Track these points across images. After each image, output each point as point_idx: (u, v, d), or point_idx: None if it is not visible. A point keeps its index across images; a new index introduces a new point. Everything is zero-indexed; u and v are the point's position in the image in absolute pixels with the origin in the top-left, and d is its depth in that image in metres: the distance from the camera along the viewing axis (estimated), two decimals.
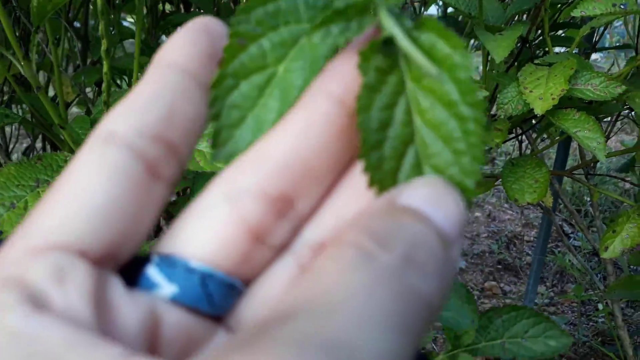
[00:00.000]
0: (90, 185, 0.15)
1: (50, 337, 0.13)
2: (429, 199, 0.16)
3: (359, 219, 0.16)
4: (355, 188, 0.18)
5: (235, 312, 0.17)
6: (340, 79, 0.17)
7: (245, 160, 0.17)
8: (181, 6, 0.95)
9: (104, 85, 0.46)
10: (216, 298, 0.16)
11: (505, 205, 2.22)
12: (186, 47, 0.18)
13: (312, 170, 0.17)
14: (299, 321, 0.13)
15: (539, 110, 0.63)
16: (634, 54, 0.96)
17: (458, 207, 0.16)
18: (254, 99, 0.18)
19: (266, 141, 0.17)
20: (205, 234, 0.17)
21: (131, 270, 0.16)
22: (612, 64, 1.22)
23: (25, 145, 2.14)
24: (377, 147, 0.17)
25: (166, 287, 0.16)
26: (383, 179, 0.17)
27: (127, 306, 0.15)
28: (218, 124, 0.18)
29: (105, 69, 0.44)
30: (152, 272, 0.16)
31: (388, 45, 0.17)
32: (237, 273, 0.17)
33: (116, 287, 0.15)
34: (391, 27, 0.17)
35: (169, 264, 0.16)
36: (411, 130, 0.17)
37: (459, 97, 0.16)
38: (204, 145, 0.47)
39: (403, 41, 0.17)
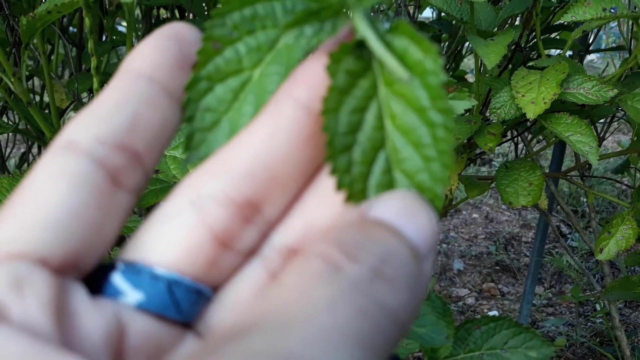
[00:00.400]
0: (49, 194, 0.15)
1: (7, 348, 0.13)
2: (401, 212, 0.16)
3: (329, 231, 0.16)
4: (324, 193, 0.18)
5: (205, 318, 0.17)
6: (307, 84, 0.17)
7: (210, 166, 0.17)
8: (176, 12, 0.95)
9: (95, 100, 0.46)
10: (183, 304, 0.16)
11: (503, 206, 2.23)
12: (154, 54, 0.17)
13: (278, 176, 0.17)
14: (254, 337, 0.13)
15: (531, 115, 0.64)
16: (628, 55, 0.97)
17: (430, 221, 0.16)
18: (229, 103, 0.18)
19: (231, 147, 0.17)
20: (170, 240, 0.16)
21: (96, 278, 0.16)
22: (607, 65, 1.23)
23: (23, 150, 2.14)
24: (345, 150, 0.17)
25: (131, 295, 0.16)
26: (352, 183, 0.17)
27: (91, 315, 0.15)
28: (191, 127, 0.18)
29: (95, 85, 0.44)
30: (117, 279, 0.16)
31: (361, 48, 0.17)
32: (205, 279, 0.17)
33: (79, 295, 0.15)
34: (364, 29, 0.17)
35: (134, 271, 0.16)
36: (382, 135, 0.17)
37: (429, 103, 0.16)
38: (179, 152, 0.47)
39: (375, 44, 0.17)
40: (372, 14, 0.98)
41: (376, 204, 0.16)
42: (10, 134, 1.23)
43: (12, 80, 0.46)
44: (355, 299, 0.14)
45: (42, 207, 0.15)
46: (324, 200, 0.17)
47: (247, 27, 0.18)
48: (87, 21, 0.40)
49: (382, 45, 0.17)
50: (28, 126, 0.73)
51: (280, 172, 0.17)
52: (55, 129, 0.60)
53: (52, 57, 0.84)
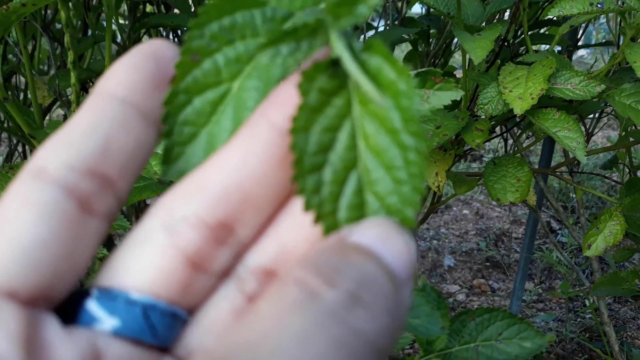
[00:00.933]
0: (17, 225, 0.15)
1: None
2: (379, 238, 0.16)
3: (308, 255, 0.16)
4: (298, 214, 0.17)
5: (182, 342, 0.17)
6: (282, 106, 0.17)
7: (183, 188, 0.17)
8: (162, 7, 0.94)
9: (72, 96, 0.46)
10: (159, 329, 0.16)
11: (493, 203, 2.23)
12: (128, 74, 0.17)
13: (251, 198, 0.17)
14: None
15: (518, 110, 0.63)
16: (617, 50, 0.96)
17: (409, 248, 0.16)
18: (207, 116, 0.18)
19: (205, 169, 0.17)
20: (144, 264, 0.16)
21: (70, 306, 0.16)
22: (595, 61, 1.23)
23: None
24: (315, 170, 0.16)
25: (107, 321, 0.15)
26: (322, 204, 0.16)
27: (64, 345, 0.14)
28: (169, 141, 0.17)
29: (72, 80, 0.43)
30: (92, 306, 0.16)
31: (336, 66, 0.17)
32: (180, 302, 0.17)
33: (51, 326, 0.15)
34: (340, 49, 0.17)
35: (110, 297, 0.16)
36: (354, 155, 0.17)
37: (401, 125, 0.16)
38: (160, 149, 0.46)
39: (351, 66, 0.16)
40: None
41: (355, 229, 0.16)
42: None
43: None
44: (330, 329, 0.14)
45: (9, 239, 0.15)
46: (298, 221, 0.17)
47: (226, 38, 0.17)
48: (62, 14, 0.39)
49: (357, 66, 0.17)
50: (11, 123, 0.72)
51: (253, 194, 0.17)
52: (38, 126, 0.59)
53: (35, 53, 0.82)
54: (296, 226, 0.17)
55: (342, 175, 0.17)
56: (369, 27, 1.04)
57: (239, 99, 0.18)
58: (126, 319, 0.16)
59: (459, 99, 0.37)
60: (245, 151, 0.17)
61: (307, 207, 0.16)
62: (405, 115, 0.16)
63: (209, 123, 0.18)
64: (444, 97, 0.39)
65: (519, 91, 0.65)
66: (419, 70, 0.40)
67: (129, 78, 0.17)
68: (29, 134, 0.54)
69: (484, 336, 0.47)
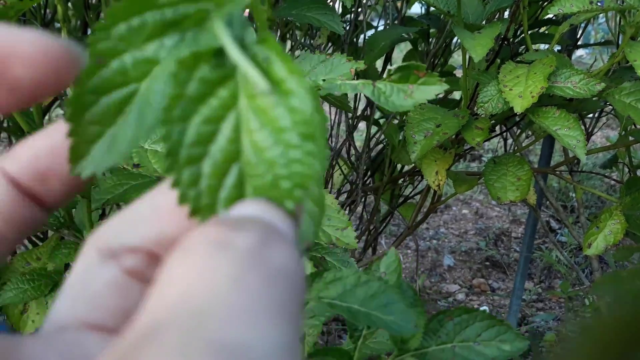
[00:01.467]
0: None
1: None
2: (259, 208, 0.16)
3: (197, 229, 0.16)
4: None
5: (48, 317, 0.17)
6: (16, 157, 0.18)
7: (116, 221, 0.17)
8: None
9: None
10: None
11: (493, 202, 2.23)
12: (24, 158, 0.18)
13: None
14: (168, 333, 0.12)
15: (518, 109, 0.63)
16: (616, 50, 0.96)
17: (286, 214, 0.16)
18: (113, 116, 0.17)
19: (134, 205, 0.18)
20: (94, 292, 0.17)
21: None
22: (595, 60, 1.23)
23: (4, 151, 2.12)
24: (193, 162, 0.16)
25: None
26: (199, 197, 0.16)
27: None
28: (75, 140, 0.17)
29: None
30: None
31: (222, 57, 0.17)
32: None
33: None
34: (224, 37, 0.16)
35: None
36: (238, 149, 0.16)
37: (290, 124, 0.16)
38: (160, 146, 0.46)
39: (233, 52, 0.16)
40: (359, 9, 0.95)
41: (232, 209, 0.16)
42: None
43: None
44: (256, 268, 0.14)
45: None
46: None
47: (134, 39, 0.17)
48: (59, 9, 0.39)
49: (242, 54, 0.16)
50: (10, 123, 0.72)
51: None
52: (37, 126, 0.59)
53: None
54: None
55: (223, 168, 0.16)
56: (369, 26, 1.04)
57: (145, 100, 0.17)
58: None
59: (443, 93, 0.37)
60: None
61: (182, 200, 0.16)
62: (295, 116, 0.16)
63: (114, 123, 0.17)
64: (428, 91, 0.39)
65: (519, 89, 0.65)
66: (401, 64, 0.39)
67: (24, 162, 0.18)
68: (28, 132, 0.54)
69: (462, 337, 0.46)
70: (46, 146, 0.18)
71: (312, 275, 0.42)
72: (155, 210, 0.17)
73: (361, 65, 0.50)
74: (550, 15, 1.04)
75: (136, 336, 0.13)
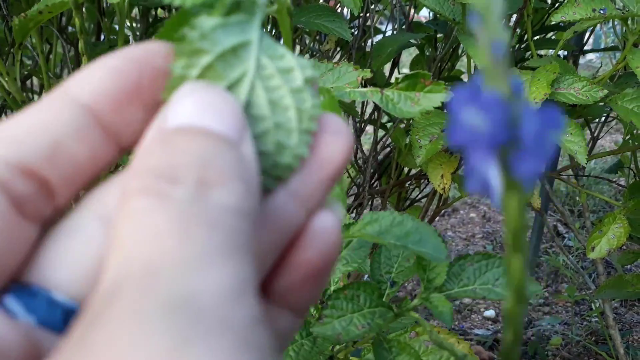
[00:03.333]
0: None
1: None
2: (195, 109, 0.15)
3: (137, 159, 0.15)
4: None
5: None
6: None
7: (117, 182, 0.16)
8: (173, 12, 0.96)
9: None
10: None
11: None
12: (100, 81, 0.16)
13: None
14: (123, 298, 0.12)
15: None
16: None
17: (228, 103, 0.15)
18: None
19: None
20: (75, 256, 0.15)
21: None
22: (601, 65, 1.24)
23: None
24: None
25: (23, 317, 0.14)
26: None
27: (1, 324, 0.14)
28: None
29: None
30: (10, 300, 0.15)
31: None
32: None
33: None
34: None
35: (29, 293, 0.15)
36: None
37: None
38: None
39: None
40: (367, 14, 0.97)
41: (170, 109, 0.15)
42: None
43: (7, 79, 0.47)
44: (195, 217, 0.13)
45: None
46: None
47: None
48: (76, 21, 0.41)
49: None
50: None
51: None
52: None
53: (51, 57, 0.84)
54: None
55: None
56: (377, 31, 1.06)
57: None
58: (44, 319, 0.15)
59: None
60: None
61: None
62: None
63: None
64: (433, 99, 0.41)
65: None
66: (408, 73, 0.41)
67: (100, 85, 0.16)
68: None
69: (482, 281, 0.50)
70: (126, 72, 0.16)
71: (347, 225, 0.45)
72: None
73: (367, 74, 0.52)
74: (555, 22, 1.05)
75: (97, 303, 0.13)
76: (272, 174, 0.17)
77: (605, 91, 0.67)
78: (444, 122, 0.73)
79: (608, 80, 0.78)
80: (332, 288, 0.52)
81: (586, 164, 0.63)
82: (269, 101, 0.17)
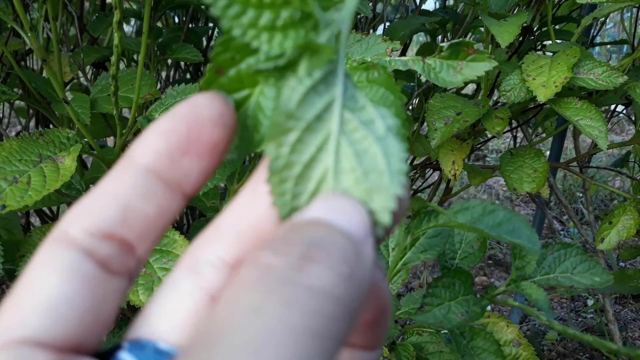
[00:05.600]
0: (43, 285, 0.16)
1: None
2: (327, 208, 0.16)
3: (264, 242, 0.16)
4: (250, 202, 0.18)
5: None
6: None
7: (206, 235, 0.18)
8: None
9: (113, 59, 0.45)
10: None
11: (497, 201, 2.23)
12: (155, 143, 0.18)
13: (262, 233, 0.18)
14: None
15: (542, 98, 0.64)
16: (626, 51, 0.97)
17: (358, 209, 0.17)
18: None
19: (221, 217, 0.18)
20: (172, 307, 0.17)
21: (107, 358, 0.17)
22: (610, 59, 1.23)
23: (14, 133, 2.11)
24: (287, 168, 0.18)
25: None
26: (284, 199, 0.18)
27: None
28: None
29: (116, 41, 0.43)
30: (124, 356, 0.17)
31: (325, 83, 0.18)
32: None
33: None
34: (339, 85, 0.18)
35: (139, 346, 0.17)
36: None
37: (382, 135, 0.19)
38: None
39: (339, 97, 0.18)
40: (370, 3, 0.95)
41: (305, 209, 0.17)
42: (4, 115, 1.21)
43: (29, 34, 0.45)
44: (279, 292, 0.14)
45: (37, 297, 0.16)
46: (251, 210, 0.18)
47: (248, 50, 0.19)
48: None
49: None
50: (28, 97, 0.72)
51: (265, 230, 0.18)
52: (60, 100, 0.59)
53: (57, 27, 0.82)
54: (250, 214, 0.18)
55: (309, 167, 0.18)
56: (382, 20, 1.04)
57: (258, 103, 0.19)
58: None
59: (491, 69, 0.38)
60: (253, 195, 0.18)
61: (275, 202, 0.18)
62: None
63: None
64: (477, 68, 0.39)
65: (543, 79, 0.65)
66: (452, 41, 0.40)
67: (156, 146, 0.18)
68: (63, 99, 0.54)
69: (561, 269, 0.53)
70: (175, 130, 0.18)
71: (420, 215, 0.45)
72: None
73: (397, 45, 0.51)
74: (565, 13, 1.04)
75: (193, 346, 0.14)
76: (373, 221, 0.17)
77: (626, 77, 0.66)
78: (459, 105, 0.72)
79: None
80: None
81: (607, 149, 0.62)
82: (355, 153, 0.18)
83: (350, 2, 0.18)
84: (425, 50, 1.05)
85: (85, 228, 0.17)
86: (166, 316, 0.17)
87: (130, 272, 0.18)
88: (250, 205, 0.18)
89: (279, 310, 0.13)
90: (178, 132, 0.18)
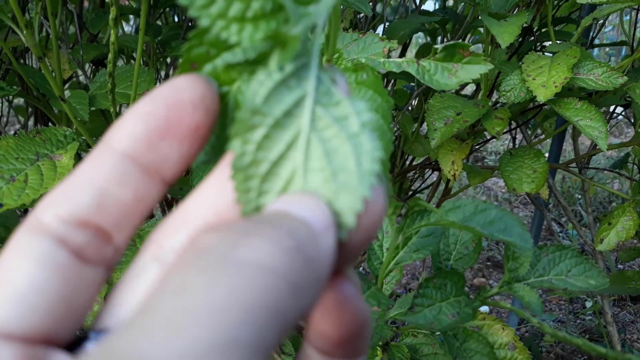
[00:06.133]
0: (14, 274, 0.16)
1: None
2: (288, 202, 0.16)
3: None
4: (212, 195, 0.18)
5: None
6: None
7: (170, 222, 0.18)
8: None
9: (110, 56, 0.45)
10: None
11: (495, 203, 2.23)
12: (132, 127, 0.17)
13: (227, 221, 0.17)
14: (114, 340, 0.12)
15: (541, 98, 0.63)
16: (625, 53, 0.97)
17: (321, 206, 0.16)
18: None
19: (186, 204, 0.18)
20: (139, 297, 0.17)
21: (76, 348, 0.16)
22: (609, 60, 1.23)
23: (12, 132, 2.10)
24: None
25: None
26: (248, 196, 0.17)
27: None
28: None
29: (112, 38, 0.43)
30: (90, 346, 0.16)
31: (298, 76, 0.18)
32: None
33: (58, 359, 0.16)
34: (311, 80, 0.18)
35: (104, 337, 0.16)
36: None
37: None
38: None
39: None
40: (369, 2, 0.95)
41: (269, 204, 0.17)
42: (3, 113, 1.21)
43: (25, 32, 0.45)
44: (208, 269, 0.13)
45: (7, 287, 0.16)
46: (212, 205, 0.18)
47: (225, 44, 0.18)
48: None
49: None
50: (27, 93, 0.72)
51: (231, 217, 0.17)
52: (58, 96, 0.59)
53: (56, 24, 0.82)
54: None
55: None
56: (381, 20, 1.04)
57: (236, 100, 0.19)
58: None
59: (486, 72, 0.37)
60: (220, 182, 0.18)
61: (238, 198, 0.17)
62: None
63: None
64: (472, 70, 0.39)
65: (543, 79, 0.65)
66: (447, 43, 0.39)
67: (133, 130, 0.17)
68: (59, 96, 0.53)
69: (556, 271, 0.52)
70: (154, 112, 0.17)
71: (412, 214, 0.44)
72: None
73: (394, 44, 0.50)
74: (565, 15, 1.04)
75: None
76: (338, 222, 0.17)
77: (626, 78, 0.66)
78: (459, 105, 0.72)
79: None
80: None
81: (606, 149, 0.62)
82: (325, 151, 0.17)
83: None
84: (425, 51, 1.05)
85: (59, 215, 0.17)
86: (131, 304, 0.17)
87: (107, 261, 0.17)
88: (218, 193, 0.17)
89: (202, 288, 0.13)
90: (157, 115, 0.17)
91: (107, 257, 0.17)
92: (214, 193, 0.18)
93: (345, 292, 0.18)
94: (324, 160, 0.17)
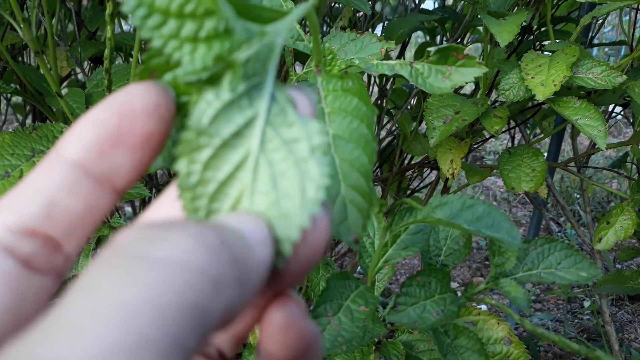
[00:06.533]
0: None
1: None
2: (229, 215, 0.16)
3: None
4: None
5: None
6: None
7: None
8: None
9: (106, 52, 0.45)
10: None
11: (494, 202, 2.23)
12: (83, 135, 0.17)
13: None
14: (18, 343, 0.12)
15: (540, 97, 0.63)
16: (624, 53, 0.97)
17: (261, 226, 0.16)
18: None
19: (143, 221, 0.18)
20: None
21: None
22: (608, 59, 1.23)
23: (11, 130, 2.10)
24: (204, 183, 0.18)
25: None
26: (196, 207, 0.17)
27: None
28: None
29: (108, 34, 0.43)
30: None
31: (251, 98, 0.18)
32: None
33: None
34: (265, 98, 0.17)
35: None
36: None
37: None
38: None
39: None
40: (368, 1, 0.95)
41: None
42: (2, 107, 1.21)
43: (22, 26, 0.45)
44: (119, 267, 0.13)
45: None
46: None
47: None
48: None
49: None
50: (24, 92, 0.71)
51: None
52: (55, 94, 0.58)
53: (53, 22, 0.82)
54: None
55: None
56: (381, 19, 1.04)
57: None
58: None
59: (481, 75, 0.37)
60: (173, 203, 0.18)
61: (185, 207, 0.17)
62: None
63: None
64: (466, 73, 0.39)
65: (541, 78, 0.65)
66: (441, 45, 0.39)
67: (84, 138, 0.17)
68: (56, 92, 0.53)
69: (545, 264, 0.51)
70: (105, 120, 0.17)
71: (400, 211, 0.44)
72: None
73: (392, 45, 0.50)
74: (564, 14, 1.04)
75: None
76: (276, 249, 0.17)
77: (625, 77, 0.66)
78: (458, 104, 0.72)
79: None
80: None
81: (605, 149, 0.62)
82: (272, 175, 0.17)
83: (291, 16, 0.17)
84: (424, 50, 1.04)
85: (6, 224, 0.16)
86: None
87: (58, 270, 0.17)
88: (171, 211, 0.17)
89: (112, 286, 0.12)
90: (108, 123, 0.17)
91: (57, 266, 0.17)
92: (167, 211, 0.18)
93: (289, 313, 0.18)
94: (270, 184, 0.17)
